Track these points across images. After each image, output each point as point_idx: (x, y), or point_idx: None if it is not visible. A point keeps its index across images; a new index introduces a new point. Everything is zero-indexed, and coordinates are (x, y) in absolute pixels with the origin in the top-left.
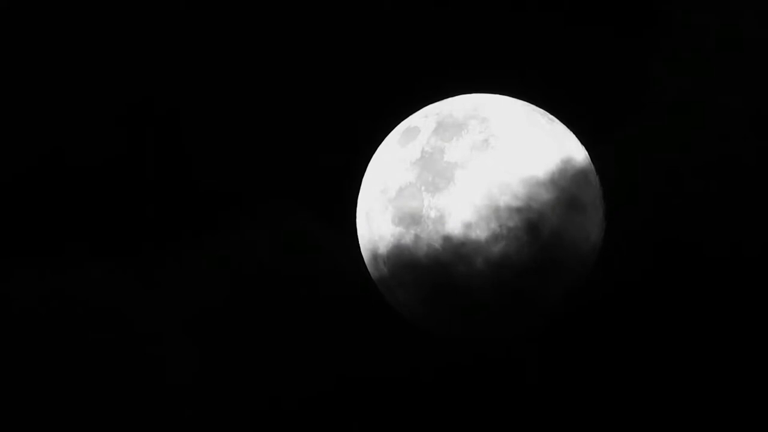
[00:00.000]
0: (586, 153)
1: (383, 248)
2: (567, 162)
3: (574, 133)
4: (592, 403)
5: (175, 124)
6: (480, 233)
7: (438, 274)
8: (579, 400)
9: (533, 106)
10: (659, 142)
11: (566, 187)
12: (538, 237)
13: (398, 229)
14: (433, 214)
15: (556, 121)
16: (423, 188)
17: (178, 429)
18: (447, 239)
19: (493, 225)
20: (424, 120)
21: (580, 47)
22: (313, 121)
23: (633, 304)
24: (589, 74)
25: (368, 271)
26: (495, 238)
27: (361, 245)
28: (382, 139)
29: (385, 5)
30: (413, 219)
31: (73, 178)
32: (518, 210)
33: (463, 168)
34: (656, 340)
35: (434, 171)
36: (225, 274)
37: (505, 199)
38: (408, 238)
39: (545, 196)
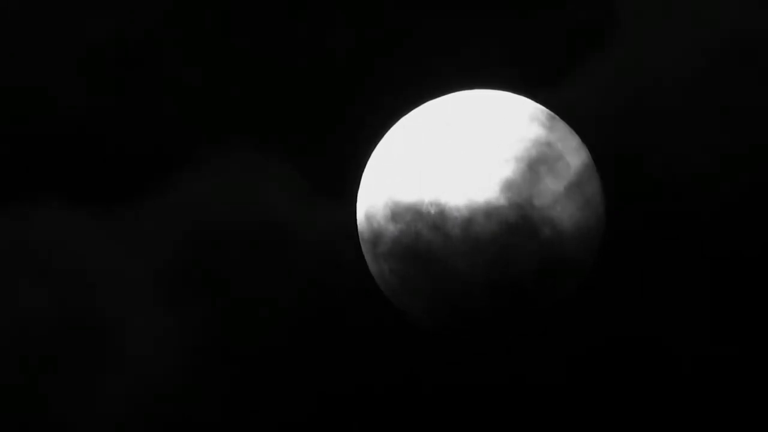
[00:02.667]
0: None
1: (384, 245)
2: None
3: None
4: (591, 400)
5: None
6: (480, 229)
7: (437, 269)
8: (578, 398)
9: (531, 101)
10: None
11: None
12: (536, 232)
13: (398, 226)
14: (433, 210)
15: (557, 117)
16: (423, 183)
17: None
18: (447, 235)
19: (492, 221)
20: (424, 116)
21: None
22: (314, 119)
23: (633, 302)
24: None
25: (369, 269)
26: (493, 235)
27: (361, 242)
28: (383, 136)
29: (387, 4)
30: (413, 215)
31: (36, 130)
32: (516, 206)
33: (464, 163)
34: (656, 339)
35: (434, 166)
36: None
37: (503, 194)
38: (408, 235)
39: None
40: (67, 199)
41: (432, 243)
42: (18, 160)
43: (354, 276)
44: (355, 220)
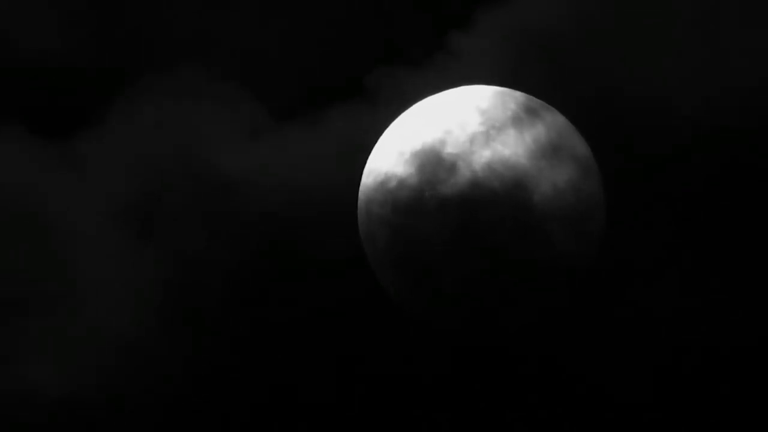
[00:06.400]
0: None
1: (383, 241)
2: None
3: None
4: (590, 396)
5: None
6: (479, 226)
7: (437, 265)
8: (576, 393)
9: (530, 97)
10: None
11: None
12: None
13: (398, 222)
14: (433, 205)
15: (557, 111)
16: (423, 180)
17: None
18: (447, 230)
19: (491, 216)
20: (423, 113)
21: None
22: (313, 120)
23: (634, 299)
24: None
25: (371, 266)
26: (492, 229)
27: (361, 234)
28: (382, 132)
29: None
30: (413, 211)
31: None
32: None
33: (463, 160)
34: (658, 336)
35: (434, 163)
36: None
37: (503, 190)
38: (408, 230)
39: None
40: (23, 131)
41: (432, 235)
42: None
43: (354, 273)
44: (356, 214)
